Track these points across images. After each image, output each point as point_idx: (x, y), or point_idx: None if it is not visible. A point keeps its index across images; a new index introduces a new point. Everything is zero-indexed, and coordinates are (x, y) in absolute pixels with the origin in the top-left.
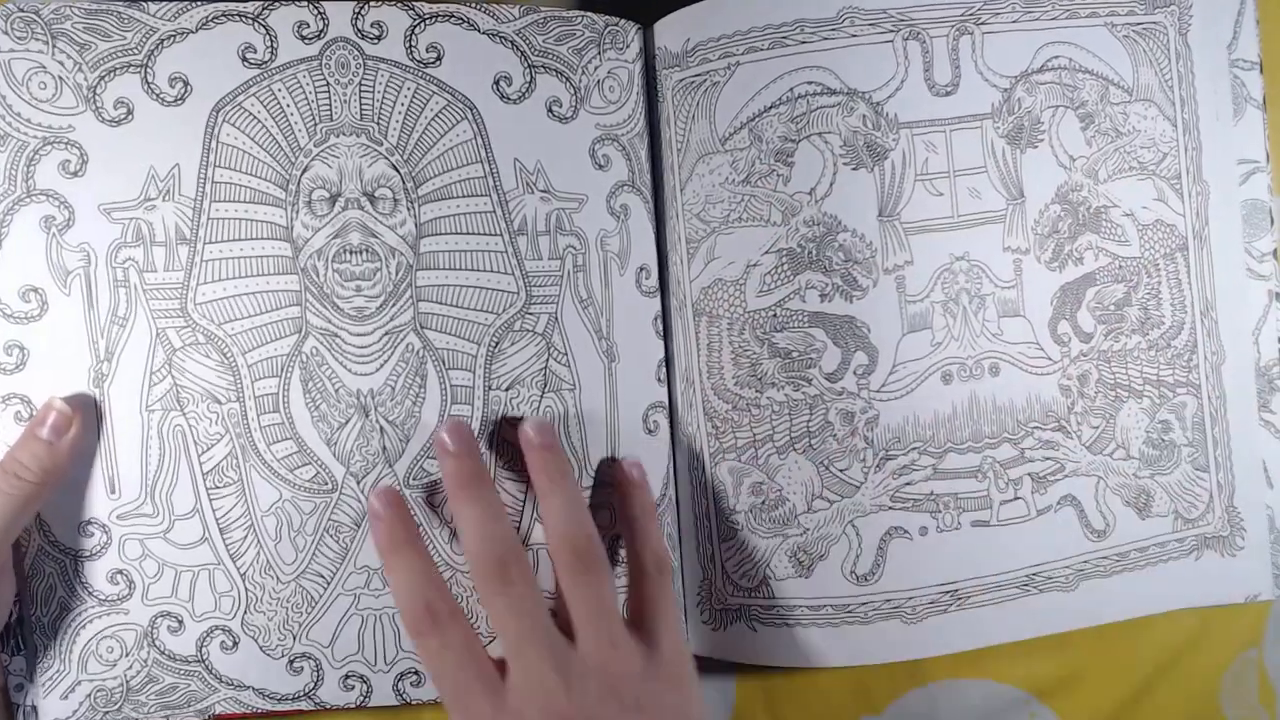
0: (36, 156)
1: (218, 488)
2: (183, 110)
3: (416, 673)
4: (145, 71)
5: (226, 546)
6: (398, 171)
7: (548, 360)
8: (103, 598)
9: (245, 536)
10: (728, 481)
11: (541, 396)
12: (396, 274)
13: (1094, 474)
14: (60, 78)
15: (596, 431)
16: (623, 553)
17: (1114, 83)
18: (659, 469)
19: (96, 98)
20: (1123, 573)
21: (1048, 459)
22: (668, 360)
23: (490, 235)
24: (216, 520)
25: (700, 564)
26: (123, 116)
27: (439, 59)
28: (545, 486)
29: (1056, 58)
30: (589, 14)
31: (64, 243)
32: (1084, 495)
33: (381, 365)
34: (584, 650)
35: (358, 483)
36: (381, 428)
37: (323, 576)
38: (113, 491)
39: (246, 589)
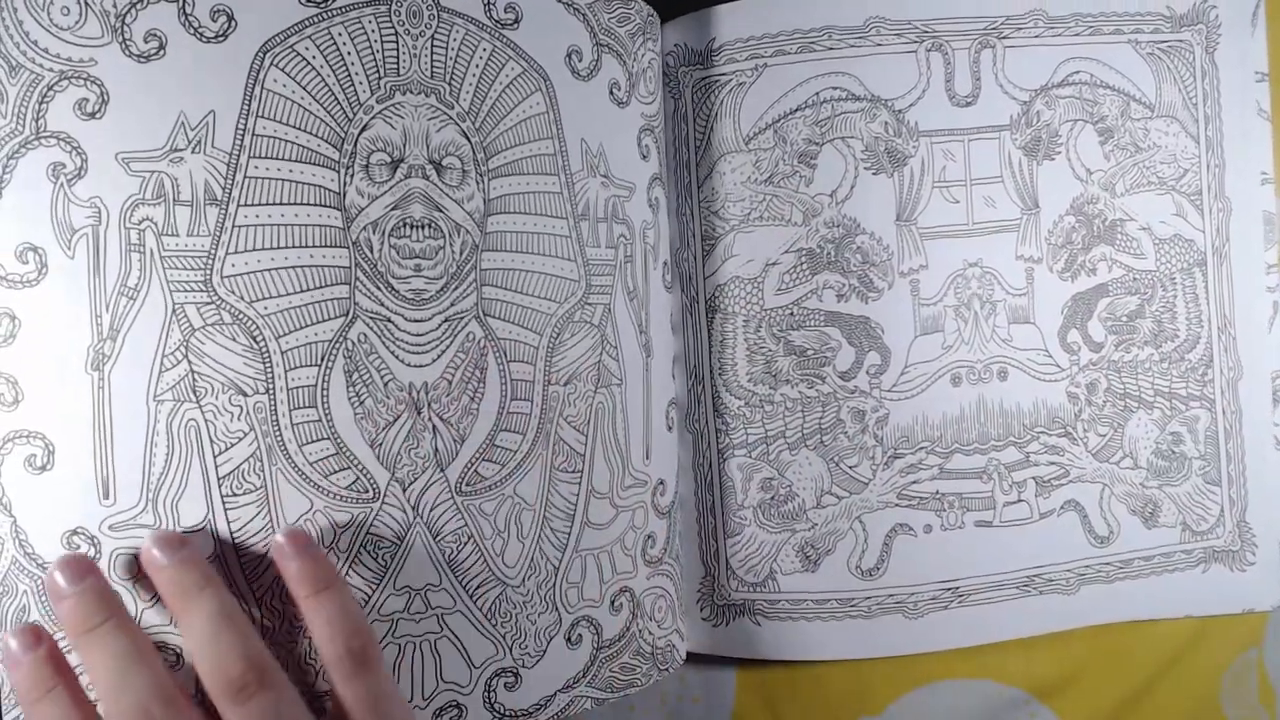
0: (50, 93)
1: (235, 495)
2: (224, 49)
3: (457, 706)
4: (184, 1)
5: (241, 565)
6: (469, 140)
7: (601, 354)
8: None
9: (265, 553)
10: (736, 477)
11: (595, 392)
12: (460, 254)
13: (1099, 481)
14: (86, 3)
15: (635, 429)
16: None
17: (1135, 99)
18: (672, 465)
19: (125, 28)
20: (1125, 579)
21: (1052, 464)
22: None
23: (557, 218)
24: (232, 534)
25: (702, 561)
26: (153, 51)
27: (516, 21)
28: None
29: (1078, 73)
30: (640, 0)
31: (73, 195)
32: (1088, 501)
33: (439, 356)
34: None
35: (404, 490)
36: (434, 427)
37: (355, 600)
38: (106, 496)
39: (263, 616)
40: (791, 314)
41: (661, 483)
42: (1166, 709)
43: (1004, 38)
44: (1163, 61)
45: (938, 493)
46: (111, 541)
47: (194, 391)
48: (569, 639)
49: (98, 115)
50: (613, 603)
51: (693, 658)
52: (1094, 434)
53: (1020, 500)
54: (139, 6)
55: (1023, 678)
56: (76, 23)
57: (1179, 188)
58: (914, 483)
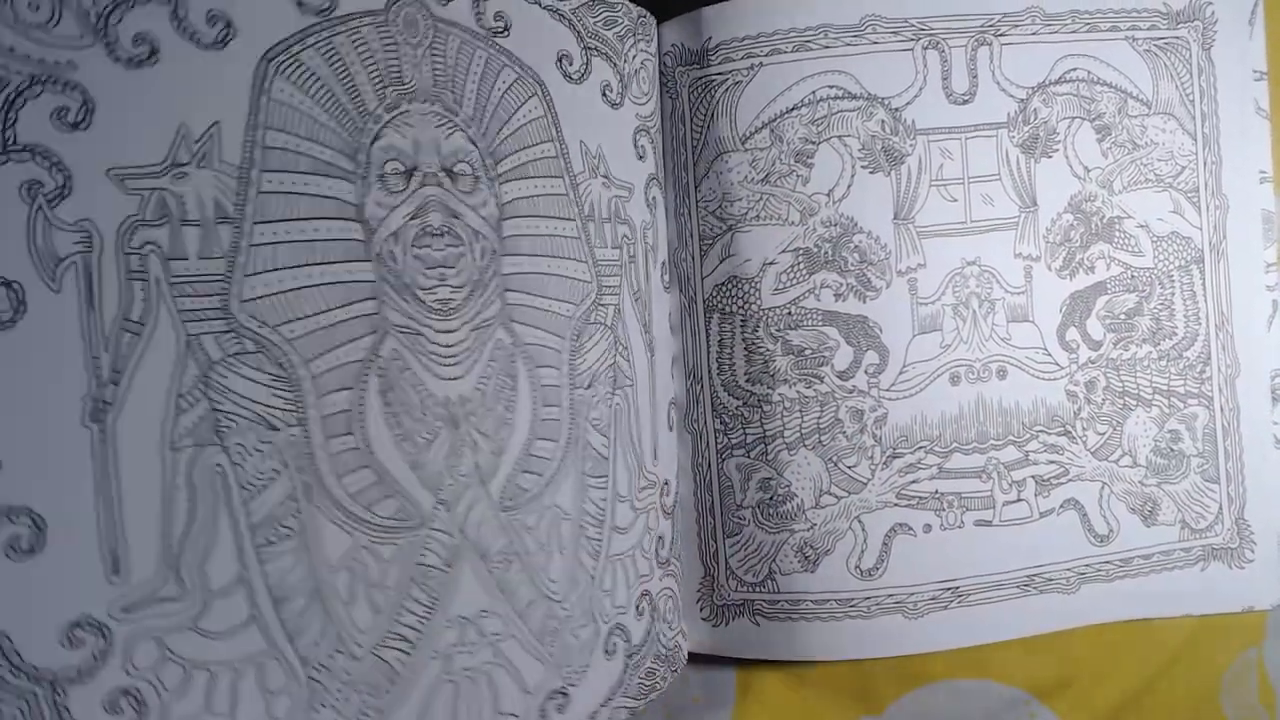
0: (19, 99)
1: (270, 544)
2: (225, 56)
3: None
4: (175, 3)
5: (282, 623)
6: (475, 146)
7: (615, 355)
8: None
9: (308, 605)
10: (735, 477)
11: (613, 394)
12: (481, 260)
13: (1098, 479)
14: None
15: (646, 429)
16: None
17: (1132, 95)
18: (673, 465)
19: (109, 29)
20: (1125, 578)
21: (1052, 462)
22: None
23: (566, 220)
24: (269, 589)
25: (701, 561)
26: (144, 56)
27: (506, 29)
28: None
29: (1075, 70)
30: (626, 1)
31: (55, 218)
32: (1087, 500)
33: (471, 367)
34: None
35: (449, 512)
36: (474, 441)
37: (408, 640)
38: (115, 572)
39: (309, 678)
40: (789, 313)
41: (667, 483)
42: (1166, 709)
43: (1001, 35)
44: (1160, 58)
45: (937, 492)
46: (125, 627)
47: (217, 433)
48: (607, 650)
49: (82, 125)
50: (637, 607)
51: (693, 658)
52: (1093, 432)
53: (1020, 499)
54: (124, 6)
55: (1023, 678)
56: (49, 20)
57: (1176, 185)
58: (913, 482)
